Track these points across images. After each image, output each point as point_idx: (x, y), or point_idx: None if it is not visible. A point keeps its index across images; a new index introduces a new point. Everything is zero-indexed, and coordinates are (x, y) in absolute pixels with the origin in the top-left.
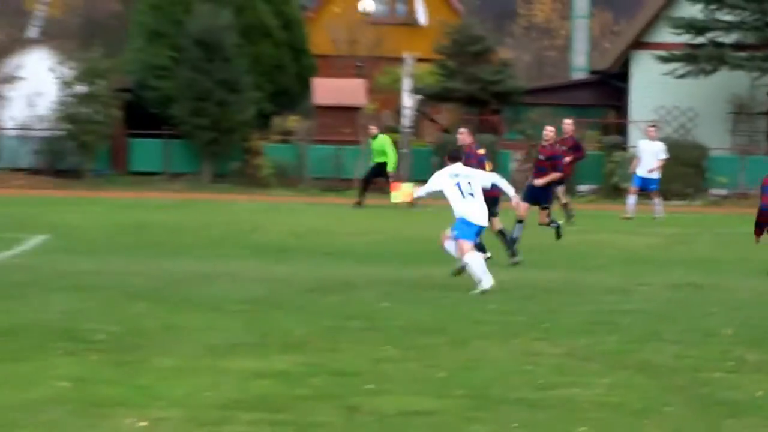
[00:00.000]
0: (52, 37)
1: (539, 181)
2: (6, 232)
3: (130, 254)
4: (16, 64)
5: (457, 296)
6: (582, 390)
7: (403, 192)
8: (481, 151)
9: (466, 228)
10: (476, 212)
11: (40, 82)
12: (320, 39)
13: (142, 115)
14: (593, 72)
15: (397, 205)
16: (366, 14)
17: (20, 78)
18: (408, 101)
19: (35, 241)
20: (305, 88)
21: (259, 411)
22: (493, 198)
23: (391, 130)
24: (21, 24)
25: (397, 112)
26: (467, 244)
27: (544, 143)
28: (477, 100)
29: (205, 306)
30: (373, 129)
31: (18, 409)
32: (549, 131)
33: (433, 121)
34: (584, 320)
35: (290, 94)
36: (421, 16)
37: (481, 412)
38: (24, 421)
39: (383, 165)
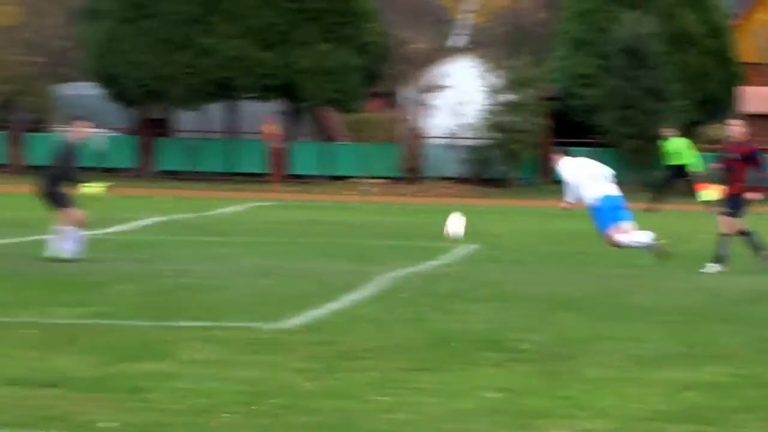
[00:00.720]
0: (478, 45)
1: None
2: (432, 241)
3: (558, 263)
4: (440, 72)
5: None
6: None
7: (712, 190)
8: (755, 146)
9: (604, 212)
10: (602, 187)
11: (466, 90)
12: (747, 46)
13: (569, 124)
14: None
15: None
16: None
17: (445, 86)
18: None
19: (462, 250)
20: (731, 96)
21: (687, 423)
22: (736, 197)
23: None
24: (445, 33)
25: None
26: (619, 227)
27: None
28: None
29: (632, 316)
30: (668, 132)
31: (445, 419)
32: None
33: None
34: None
35: (716, 103)
36: None
37: None
38: (451, 431)
39: (680, 167)
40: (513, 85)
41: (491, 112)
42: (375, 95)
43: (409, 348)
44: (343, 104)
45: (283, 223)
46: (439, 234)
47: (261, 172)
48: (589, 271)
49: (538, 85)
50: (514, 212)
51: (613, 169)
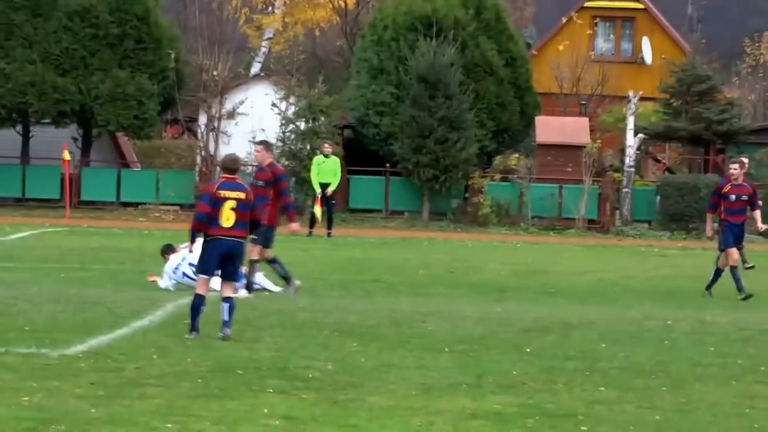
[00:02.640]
0: (274, 72)
1: (764, 226)
2: None
3: (347, 292)
4: (237, 100)
5: (676, 337)
6: None
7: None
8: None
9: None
10: None
11: (261, 117)
12: (544, 77)
13: (364, 153)
14: None
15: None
16: None
17: (242, 114)
18: (631, 140)
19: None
20: (528, 126)
21: None
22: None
23: (614, 169)
24: (244, 60)
25: (621, 150)
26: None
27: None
28: (701, 139)
29: (421, 345)
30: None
31: None
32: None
33: (656, 160)
34: None
35: (512, 132)
36: (647, 56)
37: None
38: None
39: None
40: (306, 112)
41: (284, 140)
42: (172, 122)
43: (194, 375)
44: (138, 130)
45: (73, 249)
46: None
47: (54, 197)
48: (380, 299)
49: (332, 113)
50: (307, 241)
51: (407, 197)
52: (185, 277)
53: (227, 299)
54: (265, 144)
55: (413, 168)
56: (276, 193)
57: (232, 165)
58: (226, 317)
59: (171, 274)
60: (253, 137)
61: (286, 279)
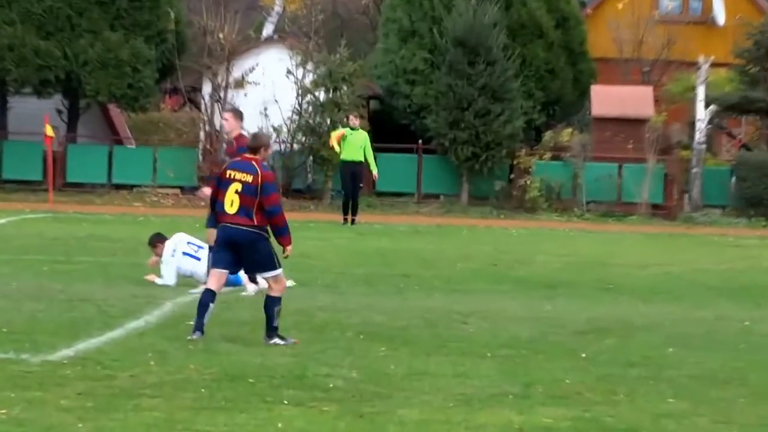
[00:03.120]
0: (290, 35)
1: None
2: None
3: (374, 288)
4: (247, 66)
5: (755, 341)
6: None
7: None
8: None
9: None
10: None
11: (274, 87)
12: (601, 40)
13: (392, 127)
14: None
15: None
16: None
17: (252, 83)
18: (701, 113)
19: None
20: (582, 96)
21: None
22: None
23: (682, 146)
24: (255, 21)
25: (690, 125)
26: None
27: None
28: None
29: (459, 349)
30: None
31: None
32: None
33: (731, 135)
34: None
35: (564, 103)
36: (720, 15)
37: None
38: None
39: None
40: (326, 81)
41: (302, 113)
42: (172, 92)
43: (198, 384)
44: (132, 102)
45: (58, 238)
46: None
47: (35, 179)
48: (412, 297)
49: (356, 82)
50: (328, 228)
51: (443, 179)
52: (186, 256)
53: (266, 298)
54: (234, 112)
55: (450, 145)
56: None
57: (251, 142)
58: (266, 321)
59: (170, 258)
60: (265, 109)
61: None
